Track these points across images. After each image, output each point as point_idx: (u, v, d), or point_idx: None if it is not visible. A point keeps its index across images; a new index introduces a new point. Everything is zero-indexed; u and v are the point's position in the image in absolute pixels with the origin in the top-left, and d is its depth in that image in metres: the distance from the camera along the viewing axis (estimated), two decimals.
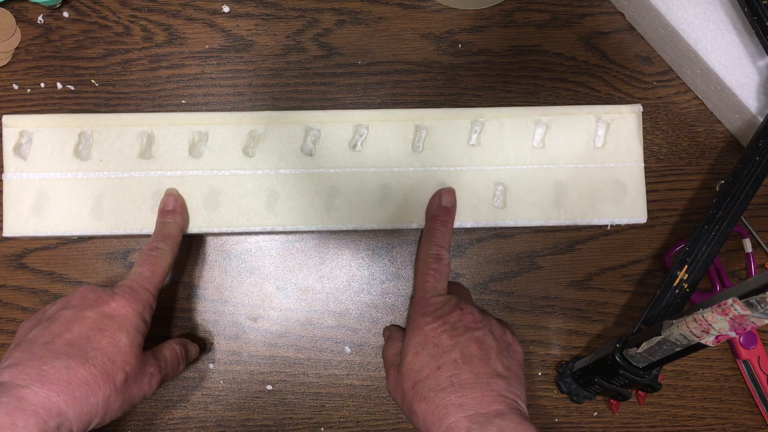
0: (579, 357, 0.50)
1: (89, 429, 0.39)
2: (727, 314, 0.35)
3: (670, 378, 0.51)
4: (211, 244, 0.50)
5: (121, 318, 0.40)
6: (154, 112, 0.49)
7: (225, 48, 0.51)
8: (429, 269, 0.45)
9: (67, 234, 0.47)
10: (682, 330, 0.38)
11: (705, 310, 0.36)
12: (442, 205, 0.47)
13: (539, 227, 0.51)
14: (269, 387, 0.50)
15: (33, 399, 0.36)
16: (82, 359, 0.38)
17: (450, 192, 0.48)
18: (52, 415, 0.36)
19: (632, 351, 0.42)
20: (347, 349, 0.50)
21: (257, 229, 0.48)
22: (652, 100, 0.52)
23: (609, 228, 0.51)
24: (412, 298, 0.46)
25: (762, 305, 0.33)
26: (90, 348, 0.39)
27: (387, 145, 0.48)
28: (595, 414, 0.51)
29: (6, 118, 0.47)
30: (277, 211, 0.48)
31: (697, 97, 0.52)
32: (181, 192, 0.47)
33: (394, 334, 0.47)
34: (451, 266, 0.49)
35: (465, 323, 0.42)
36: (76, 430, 0.37)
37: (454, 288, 0.47)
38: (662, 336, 0.39)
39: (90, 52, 0.50)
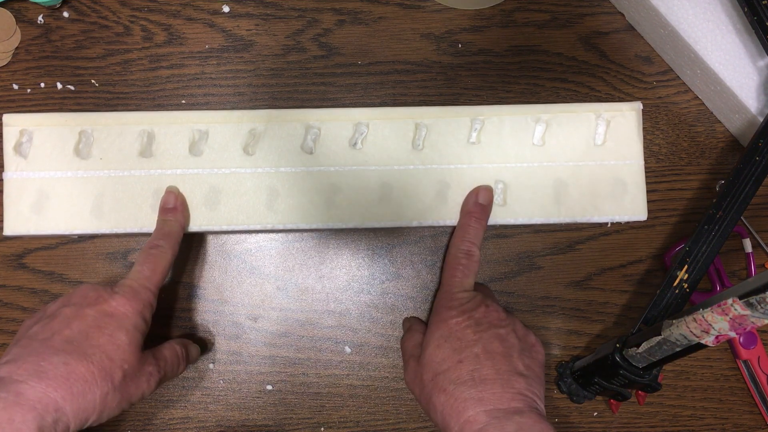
0: (579, 357, 0.50)
1: (86, 426, 0.39)
2: (727, 314, 0.35)
3: (670, 378, 0.51)
4: (212, 243, 0.50)
5: (120, 317, 0.40)
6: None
7: (225, 48, 0.51)
8: (458, 264, 0.45)
9: (67, 233, 0.47)
10: (682, 330, 0.38)
11: (705, 310, 0.36)
12: (478, 201, 0.47)
13: (539, 227, 0.51)
14: (269, 387, 0.50)
15: (30, 394, 0.36)
16: (81, 356, 0.38)
17: (487, 190, 0.48)
18: (50, 410, 0.36)
19: (632, 351, 0.42)
20: (347, 349, 0.50)
21: (257, 228, 0.48)
22: (652, 100, 0.52)
23: (609, 225, 0.51)
24: (437, 291, 0.46)
25: (762, 305, 0.33)
26: (89, 345, 0.39)
27: (387, 143, 0.48)
28: (595, 414, 0.51)
29: (6, 117, 0.47)
30: (278, 209, 0.48)
31: (697, 97, 0.52)
32: (181, 190, 0.47)
33: (414, 325, 0.47)
34: None
35: (490, 320, 0.42)
36: (73, 426, 0.37)
37: (479, 287, 0.47)
38: (662, 336, 0.39)
39: (90, 52, 0.50)
